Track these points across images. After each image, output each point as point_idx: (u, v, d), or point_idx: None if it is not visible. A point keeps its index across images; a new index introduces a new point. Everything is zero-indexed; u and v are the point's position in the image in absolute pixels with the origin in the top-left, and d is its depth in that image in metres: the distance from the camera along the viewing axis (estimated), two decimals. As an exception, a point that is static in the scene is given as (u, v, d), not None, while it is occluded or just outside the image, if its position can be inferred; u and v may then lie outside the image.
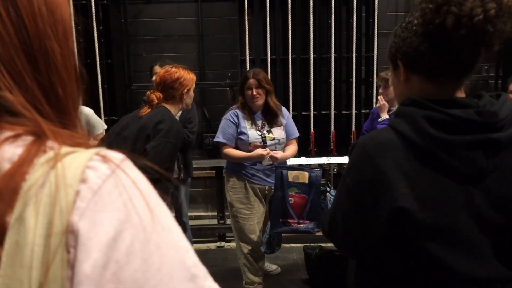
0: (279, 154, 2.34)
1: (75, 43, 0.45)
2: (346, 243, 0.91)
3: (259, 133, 2.36)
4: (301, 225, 1.95)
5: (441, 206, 0.79)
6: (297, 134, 2.57)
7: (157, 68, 2.81)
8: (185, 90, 2.00)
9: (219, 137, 2.38)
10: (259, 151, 2.30)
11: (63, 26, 0.41)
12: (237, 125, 2.35)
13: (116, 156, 0.37)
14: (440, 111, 0.78)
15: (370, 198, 0.82)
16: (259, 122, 2.40)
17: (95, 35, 3.44)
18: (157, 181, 0.43)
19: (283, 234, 2.01)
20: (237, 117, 2.36)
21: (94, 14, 3.43)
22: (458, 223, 0.79)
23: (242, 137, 2.35)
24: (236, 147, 2.39)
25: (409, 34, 0.83)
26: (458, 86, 0.84)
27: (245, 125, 2.35)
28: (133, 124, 1.96)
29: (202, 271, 0.37)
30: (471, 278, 0.80)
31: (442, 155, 0.78)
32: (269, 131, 2.40)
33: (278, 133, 2.42)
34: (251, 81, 2.34)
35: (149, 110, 1.99)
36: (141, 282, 0.32)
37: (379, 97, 2.71)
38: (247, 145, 2.35)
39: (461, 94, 0.85)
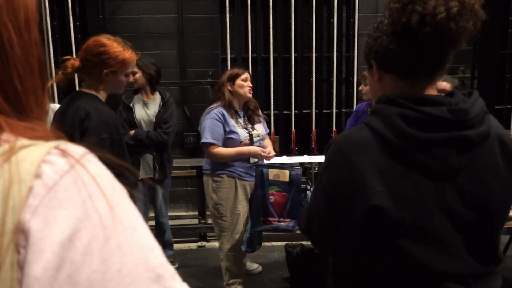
0: (272, 152, 2.37)
1: (50, 37, 0.42)
2: (323, 242, 0.91)
3: (246, 131, 2.38)
4: (282, 223, 1.95)
5: (415, 204, 0.80)
6: (268, 131, 2.65)
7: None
8: (106, 71, 1.59)
9: (207, 138, 2.30)
10: (255, 149, 2.30)
11: (25, 14, 0.38)
12: (224, 124, 2.33)
13: (77, 150, 0.34)
14: (413, 108, 0.79)
15: (345, 196, 0.82)
16: (241, 120, 2.41)
17: (72, 30, 3.35)
18: (120, 175, 0.41)
19: (263, 233, 2.00)
20: (223, 116, 2.33)
21: (70, 9, 3.34)
22: (431, 221, 0.80)
23: (232, 136, 2.32)
24: (224, 147, 2.36)
25: (380, 34, 0.84)
26: (430, 84, 0.85)
27: (234, 124, 2.34)
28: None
29: (169, 271, 0.35)
30: (444, 273, 0.81)
31: (416, 152, 0.79)
32: (252, 128, 2.42)
33: (260, 129, 2.48)
34: (247, 74, 2.41)
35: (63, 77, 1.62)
36: (100, 285, 0.30)
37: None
38: (238, 144, 2.34)
39: (433, 92, 0.86)
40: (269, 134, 2.73)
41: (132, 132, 2.73)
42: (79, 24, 3.42)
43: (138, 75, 2.74)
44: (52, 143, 0.34)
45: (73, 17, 3.36)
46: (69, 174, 0.32)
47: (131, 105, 2.78)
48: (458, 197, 0.81)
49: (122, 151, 1.61)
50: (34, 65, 0.39)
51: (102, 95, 1.64)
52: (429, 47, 0.78)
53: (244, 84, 2.37)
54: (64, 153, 0.33)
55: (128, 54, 1.62)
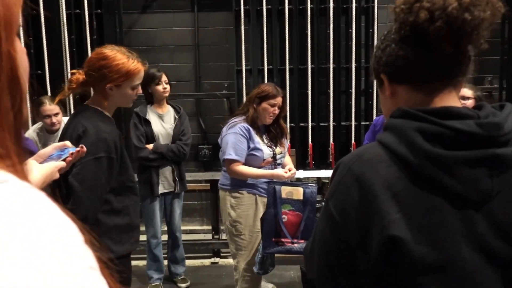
0: (293, 170, 2.30)
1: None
2: (325, 281, 0.78)
3: (270, 149, 2.31)
4: (295, 245, 1.84)
5: (438, 235, 0.69)
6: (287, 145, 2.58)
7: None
8: (110, 85, 1.48)
9: (231, 154, 2.21)
10: (278, 173, 2.22)
11: None
12: (249, 140, 2.26)
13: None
14: (435, 122, 0.69)
15: (357, 226, 0.71)
16: (265, 137, 2.35)
17: (88, 44, 3.38)
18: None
19: (276, 255, 1.89)
20: (249, 131, 2.26)
21: (87, 23, 3.38)
22: (458, 255, 0.69)
23: (256, 153, 2.25)
24: (245, 163, 2.29)
25: (388, 43, 0.76)
26: (450, 92, 0.75)
27: (259, 141, 2.28)
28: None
29: None
30: None
31: (439, 174, 0.68)
32: (276, 146, 2.37)
33: (283, 147, 2.42)
34: (279, 99, 2.30)
35: (69, 92, 1.55)
36: None
37: None
38: (260, 161, 2.27)
39: (456, 102, 0.75)
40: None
41: (151, 146, 2.69)
42: (96, 37, 3.45)
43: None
44: None
45: (90, 31, 3.40)
46: None
47: (147, 117, 2.75)
48: (491, 227, 0.69)
49: (125, 169, 1.54)
50: (3, 81, 0.32)
51: (108, 110, 1.56)
52: (443, 45, 0.69)
53: (270, 109, 2.27)
54: None
55: (133, 65, 1.50)
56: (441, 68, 0.73)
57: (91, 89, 1.59)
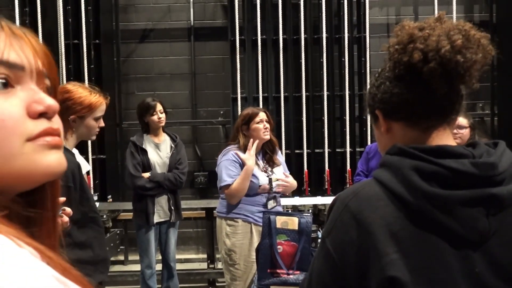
0: (290, 178, 2.30)
1: None
2: None
3: (266, 174, 2.31)
4: (291, 276, 1.82)
5: (437, 276, 0.68)
6: (288, 172, 2.55)
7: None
8: (73, 117, 1.56)
9: (226, 180, 2.20)
10: (252, 164, 2.22)
11: None
12: (241, 165, 2.26)
13: None
14: (430, 161, 0.69)
15: (355, 265, 0.71)
16: (260, 163, 2.34)
17: (86, 74, 3.43)
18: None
19: (271, 286, 1.86)
20: (240, 158, 2.26)
21: (85, 52, 3.44)
22: None
23: (252, 179, 2.24)
24: None
25: (382, 81, 0.78)
26: (445, 130, 0.76)
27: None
28: None
29: None
30: None
31: (437, 214, 0.68)
32: (272, 172, 2.35)
33: (279, 173, 2.39)
34: (262, 114, 2.31)
35: None
36: None
37: None
38: (256, 188, 2.26)
39: (450, 140, 0.76)
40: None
41: (147, 174, 2.69)
42: (94, 66, 3.51)
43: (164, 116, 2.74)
44: None
45: (87, 60, 3.45)
46: None
47: (143, 146, 2.75)
48: (488, 266, 0.69)
49: (86, 199, 1.54)
50: None
51: (70, 142, 1.60)
52: (437, 84, 0.71)
53: (260, 127, 2.27)
54: None
55: (95, 98, 1.59)
56: (436, 106, 0.74)
57: None
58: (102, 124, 1.65)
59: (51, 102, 0.41)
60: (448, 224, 0.68)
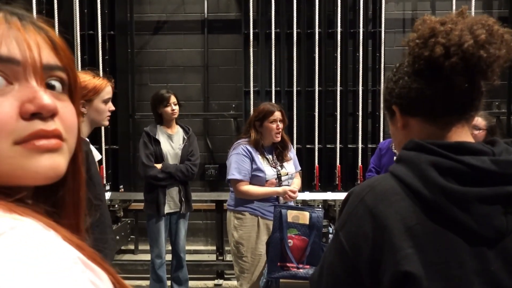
0: (296, 193, 2.28)
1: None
2: None
3: (274, 170, 2.30)
4: (301, 270, 1.82)
5: (451, 272, 0.68)
6: (300, 168, 2.54)
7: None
8: (81, 101, 1.53)
9: (234, 174, 2.22)
10: (278, 189, 2.23)
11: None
12: (251, 160, 2.26)
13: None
14: (449, 157, 0.68)
15: (369, 259, 0.70)
16: (270, 157, 2.34)
17: (100, 64, 3.46)
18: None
19: (281, 280, 1.87)
20: (250, 152, 2.27)
21: (100, 44, 3.46)
22: None
23: (258, 174, 2.25)
24: (250, 183, 2.28)
25: (400, 76, 0.77)
26: (463, 127, 0.75)
27: (261, 161, 2.28)
28: None
29: None
30: None
31: (454, 210, 0.67)
32: (281, 167, 2.34)
33: (290, 167, 2.38)
34: (277, 113, 2.29)
35: None
36: None
37: None
38: (263, 183, 2.26)
39: (468, 137, 0.75)
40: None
41: (159, 165, 2.71)
42: (108, 57, 3.53)
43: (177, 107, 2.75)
44: None
45: (102, 51, 3.48)
46: None
47: (156, 137, 2.77)
48: (504, 265, 0.68)
49: (91, 185, 1.52)
50: None
51: (82, 130, 1.61)
52: (458, 80, 0.70)
53: (273, 127, 2.27)
54: None
55: (99, 81, 1.60)
56: (455, 102, 0.73)
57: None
58: (112, 107, 1.65)
59: (47, 101, 0.36)
60: (464, 220, 0.67)
